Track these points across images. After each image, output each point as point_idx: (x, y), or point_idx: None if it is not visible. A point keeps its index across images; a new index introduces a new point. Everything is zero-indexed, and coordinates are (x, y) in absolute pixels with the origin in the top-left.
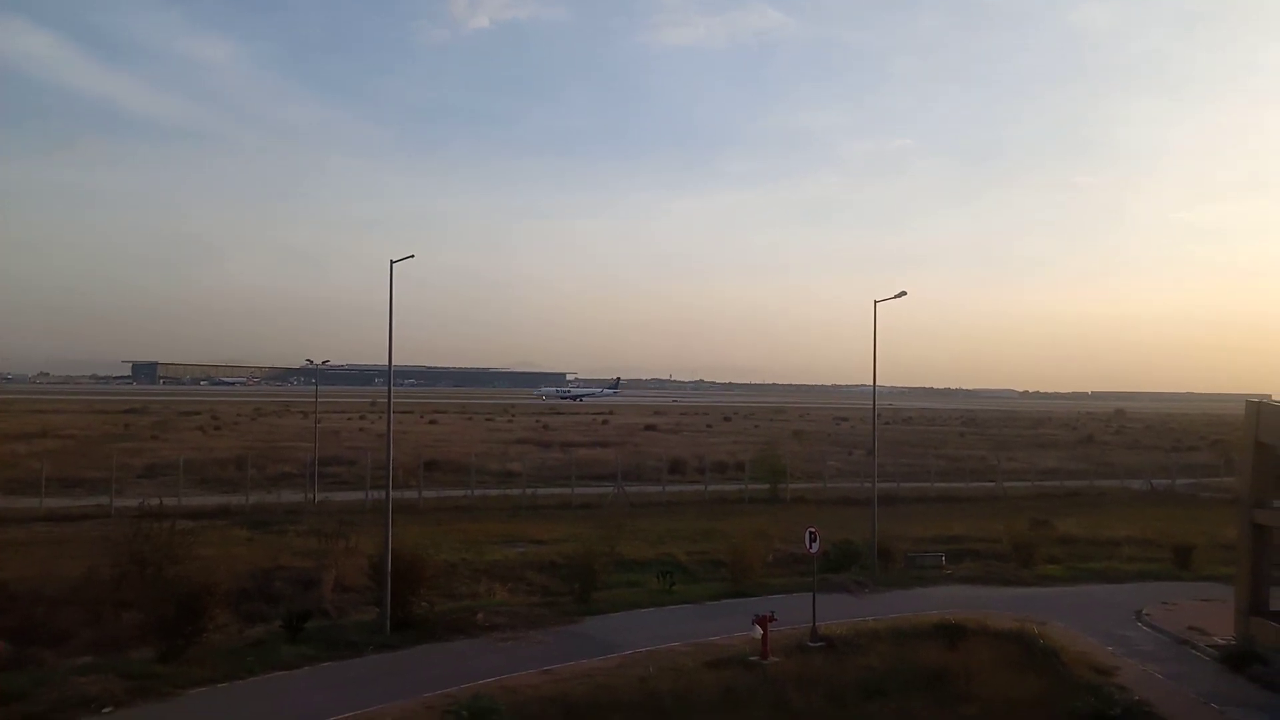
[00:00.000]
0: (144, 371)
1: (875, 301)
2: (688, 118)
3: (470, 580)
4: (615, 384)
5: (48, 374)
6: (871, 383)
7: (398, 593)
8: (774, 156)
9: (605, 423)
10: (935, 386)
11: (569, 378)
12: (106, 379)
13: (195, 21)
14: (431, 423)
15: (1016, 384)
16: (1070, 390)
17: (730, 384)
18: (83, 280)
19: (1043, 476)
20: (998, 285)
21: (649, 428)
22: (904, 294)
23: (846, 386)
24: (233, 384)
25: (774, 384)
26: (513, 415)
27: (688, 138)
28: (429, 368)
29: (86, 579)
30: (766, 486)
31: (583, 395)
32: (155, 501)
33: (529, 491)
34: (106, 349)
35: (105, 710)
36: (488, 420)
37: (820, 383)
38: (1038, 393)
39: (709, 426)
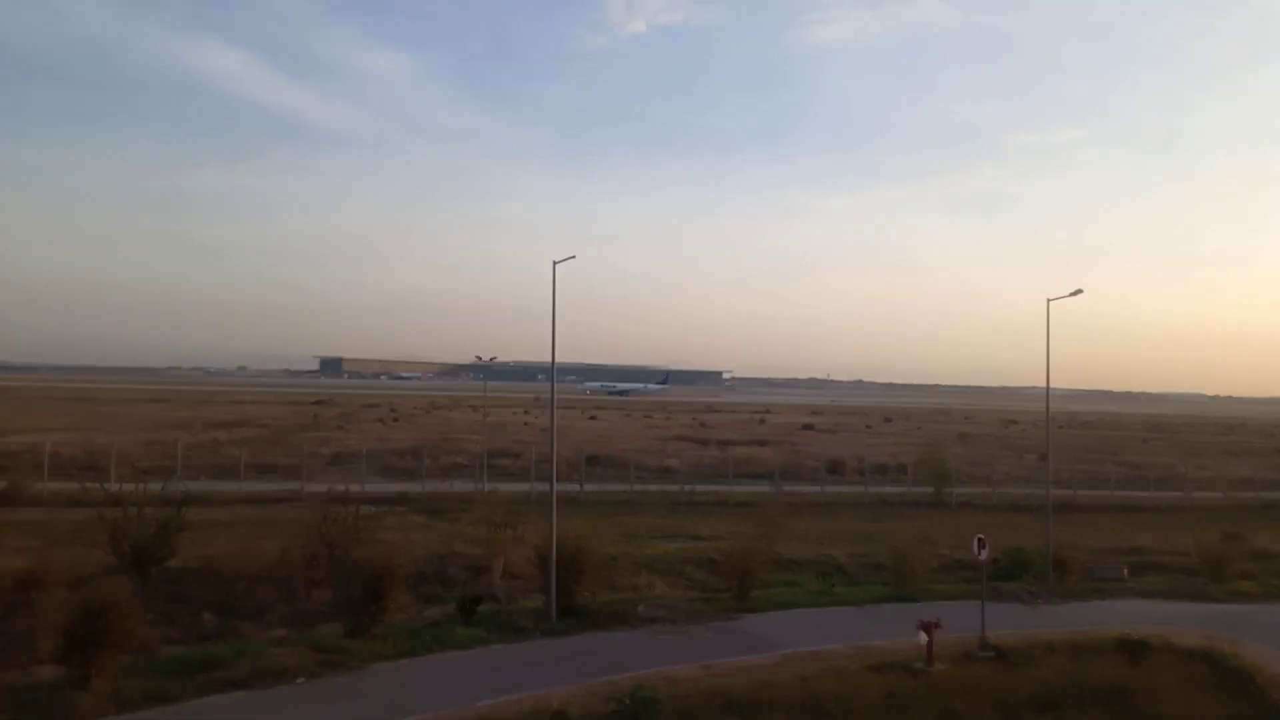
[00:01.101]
0: (330, 366)
1: (1048, 300)
2: (842, 114)
3: (630, 573)
4: (664, 379)
5: (245, 368)
6: (1045, 384)
7: (562, 582)
8: (932, 151)
9: (762, 422)
10: (1114, 389)
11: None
12: (297, 373)
13: (371, 36)
14: (592, 419)
15: (1206, 387)
16: (1267, 395)
17: (891, 384)
18: (274, 281)
19: (1236, 486)
20: (1182, 282)
21: (807, 427)
22: (1080, 292)
23: (1016, 389)
24: (409, 379)
25: (937, 385)
26: (670, 413)
27: (842, 134)
28: (588, 365)
29: (281, 558)
30: (930, 490)
31: (629, 390)
32: (341, 488)
33: (686, 488)
34: (297, 345)
35: (298, 680)
36: (645, 417)
37: (987, 384)
38: (1230, 397)
39: (868, 427)
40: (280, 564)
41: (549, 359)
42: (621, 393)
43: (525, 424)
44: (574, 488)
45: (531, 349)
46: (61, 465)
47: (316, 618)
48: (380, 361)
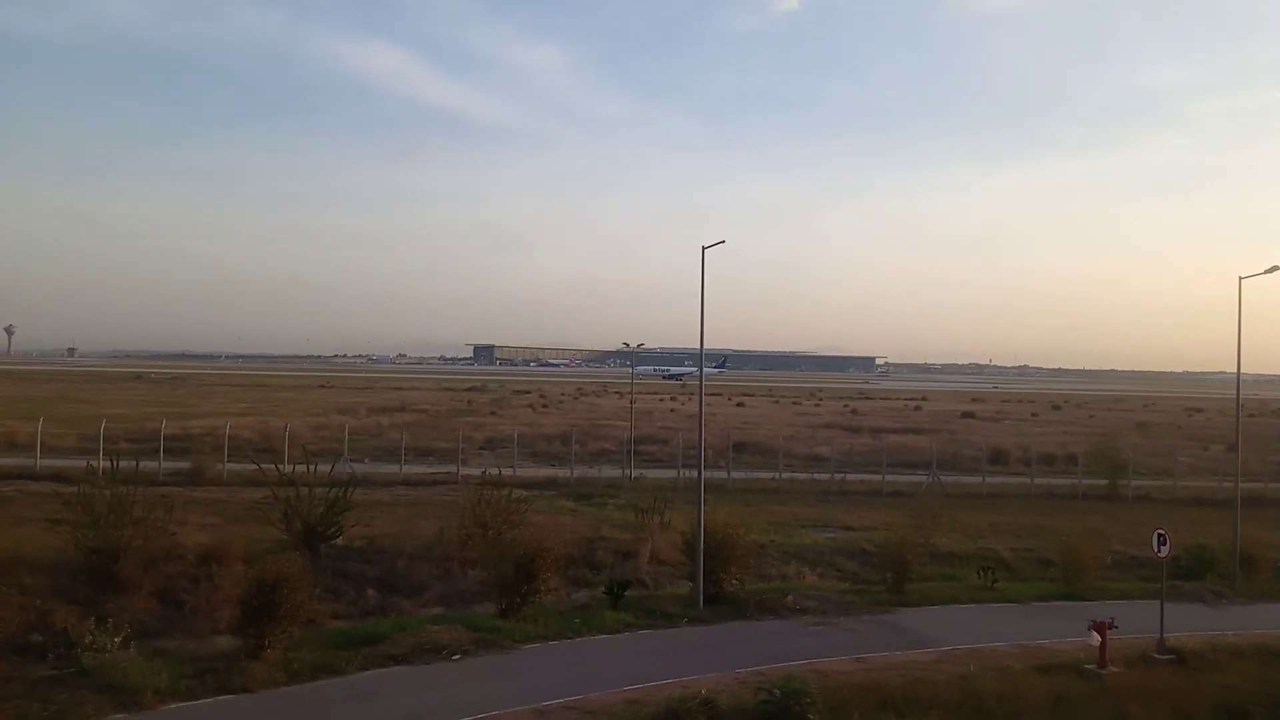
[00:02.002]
0: (483, 353)
1: (1240, 278)
2: (1009, 84)
3: (779, 562)
4: (722, 363)
5: (405, 355)
6: (1235, 369)
7: (710, 569)
8: (1109, 121)
9: (918, 409)
10: None
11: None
12: (453, 360)
13: (524, 29)
14: (739, 405)
15: None
16: None
17: (1059, 369)
18: (431, 272)
19: None
20: None
21: (966, 415)
22: (1277, 268)
23: (1201, 374)
24: (558, 365)
25: (1113, 370)
26: (820, 399)
27: (1008, 106)
28: (737, 351)
29: (438, 538)
30: (1103, 482)
31: (683, 375)
32: (494, 471)
33: (837, 477)
34: (452, 333)
35: (454, 657)
36: (794, 404)
37: (1169, 369)
38: None
39: (1035, 415)
40: (437, 544)
41: (696, 345)
42: (675, 377)
43: (671, 410)
44: (721, 475)
45: (679, 335)
46: (239, 447)
47: (471, 596)
48: (531, 349)
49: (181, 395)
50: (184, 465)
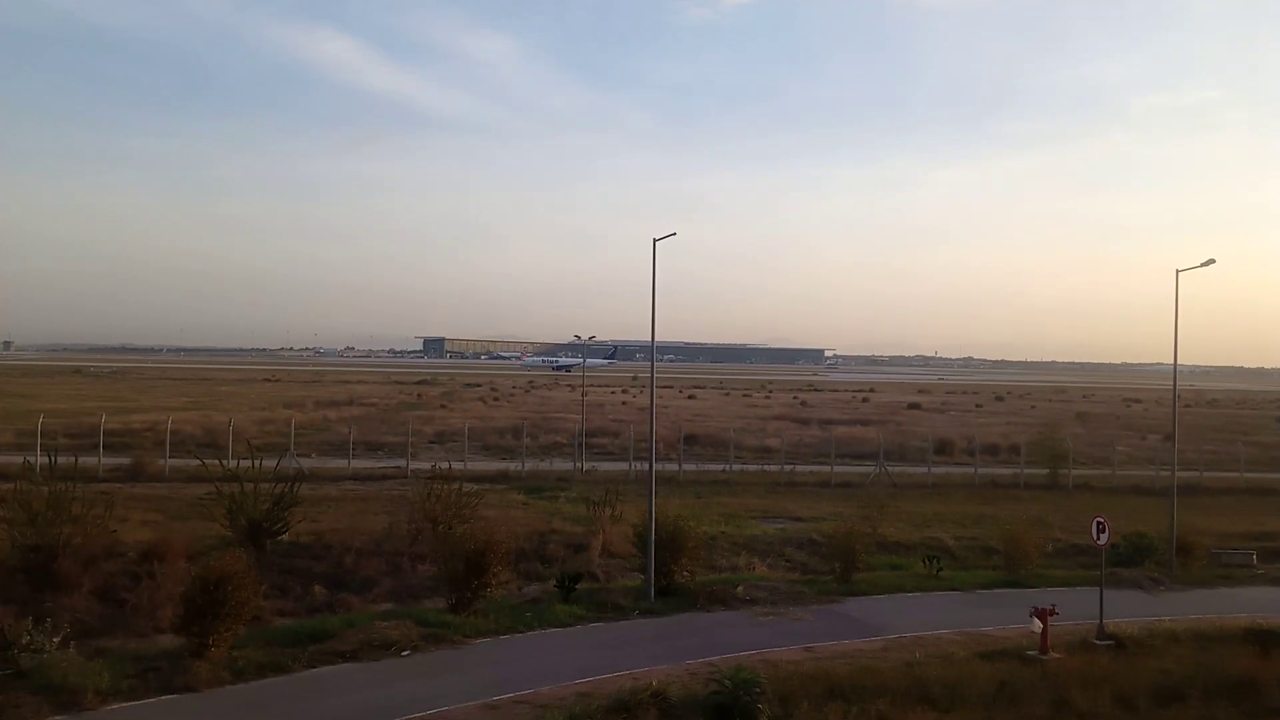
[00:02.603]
0: (433, 346)
1: (1177, 271)
2: (960, 79)
3: (730, 553)
4: (612, 354)
5: (353, 348)
6: (1171, 361)
7: (661, 561)
8: (1055, 116)
9: (866, 401)
10: (1247, 366)
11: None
12: (402, 353)
13: (476, 18)
14: (690, 398)
15: None
16: None
17: (1003, 361)
18: (381, 263)
19: None
20: None
21: (913, 406)
22: (1212, 262)
23: (1139, 366)
24: (509, 358)
25: (1054, 362)
26: (770, 391)
27: (960, 101)
28: (688, 344)
29: (387, 533)
30: (1045, 471)
31: (571, 365)
32: (445, 465)
33: (787, 468)
34: (402, 326)
35: (404, 653)
36: (745, 396)
37: (1109, 361)
38: None
39: (979, 406)
40: (386, 539)
41: (648, 338)
42: (564, 368)
43: (623, 403)
44: (672, 467)
45: (630, 328)
46: (182, 442)
47: (421, 592)
48: (482, 342)
49: (122, 389)
50: (124, 461)
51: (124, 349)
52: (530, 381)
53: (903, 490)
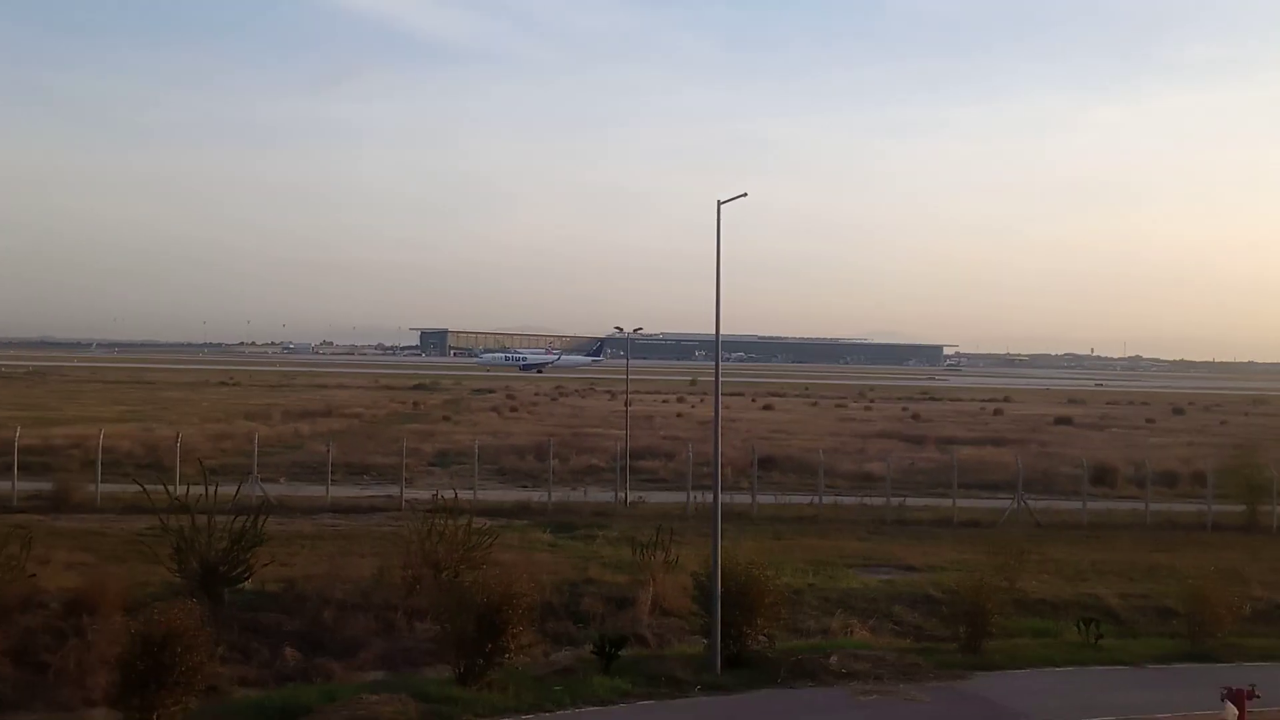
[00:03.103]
0: (433, 340)
1: None
2: None
3: (820, 612)
4: (598, 350)
5: (331, 343)
6: None
7: (729, 621)
8: (1250, 38)
9: (998, 413)
10: None
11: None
12: (394, 349)
13: None
14: (766, 408)
15: None
16: None
17: (1182, 362)
18: (364, 236)
19: None
20: None
21: (1061, 421)
22: None
23: None
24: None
25: (1250, 363)
26: (872, 400)
27: (1119, 20)
28: (763, 338)
29: (376, 581)
30: (1240, 508)
31: (543, 364)
32: (449, 494)
33: (895, 501)
34: (393, 315)
35: None
36: (838, 406)
37: None
38: None
39: (1150, 422)
40: (376, 588)
41: (710, 329)
42: (534, 367)
43: (679, 415)
44: (744, 499)
45: (685, 316)
46: (116, 463)
47: (420, 657)
48: (496, 335)
49: (40, 395)
50: (44, 486)
51: (42, 343)
52: (558, 387)
53: (1049, 532)
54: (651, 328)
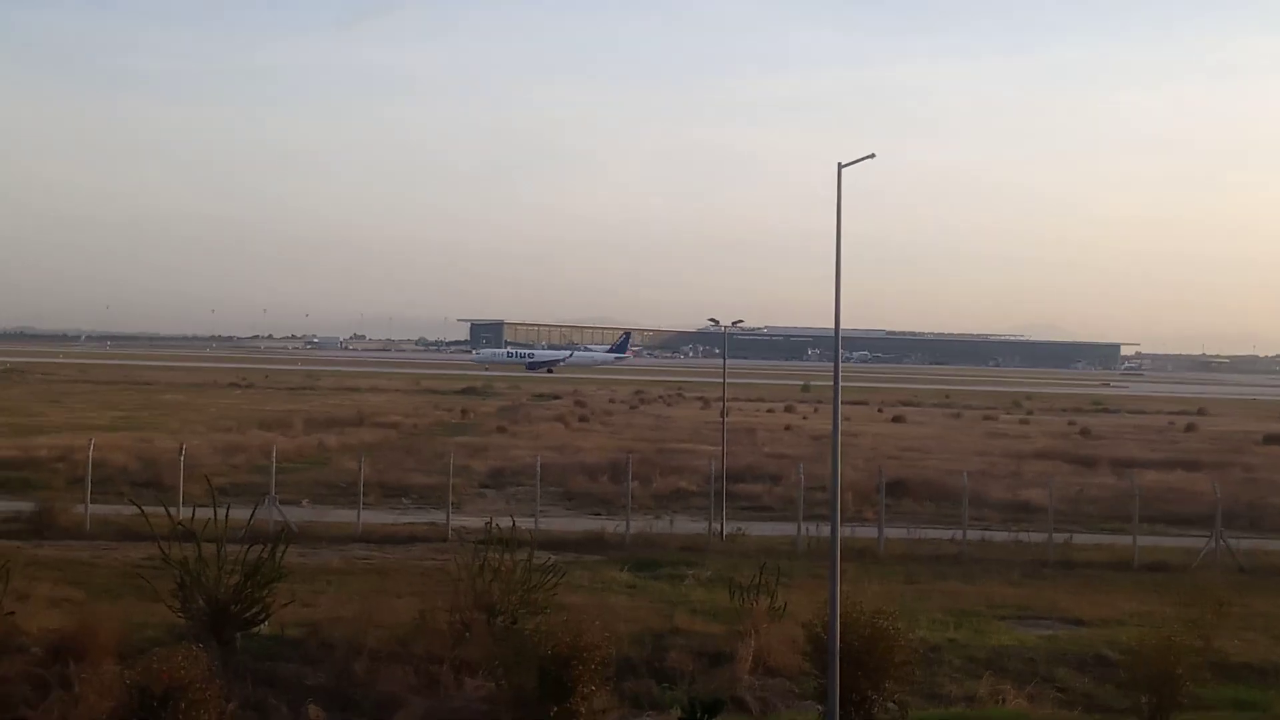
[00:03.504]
0: (486, 333)
1: None
2: None
3: (964, 674)
4: (622, 344)
5: (363, 337)
6: None
7: (850, 684)
8: None
9: (1190, 429)
10: None
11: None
12: (439, 344)
13: None
14: (896, 420)
15: None
16: None
17: None
18: (400, 208)
19: None
20: None
21: (1272, 440)
22: None
23: None
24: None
25: None
26: (1029, 412)
27: None
28: (892, 334)
29: (417, 627)
30: None
31: (554, 361)
32: (505, 522)
33: (1058, 538)
34: (438, 303)
35: None
36: (985, 419)
37: None
38: None
39: None
40: (417, 636)
41: (826, 324)
42: (543, 365)
43: (787, 428)
44: (869, 533)
45: (798, 309)
46: (108, 479)
47: (470, 718)
48: (561, 327)
49: (19, 397)
50: (24, 507)
51: (21, 335)
52: (638, 392)
53: (1256, 578)
54: (754, 320)
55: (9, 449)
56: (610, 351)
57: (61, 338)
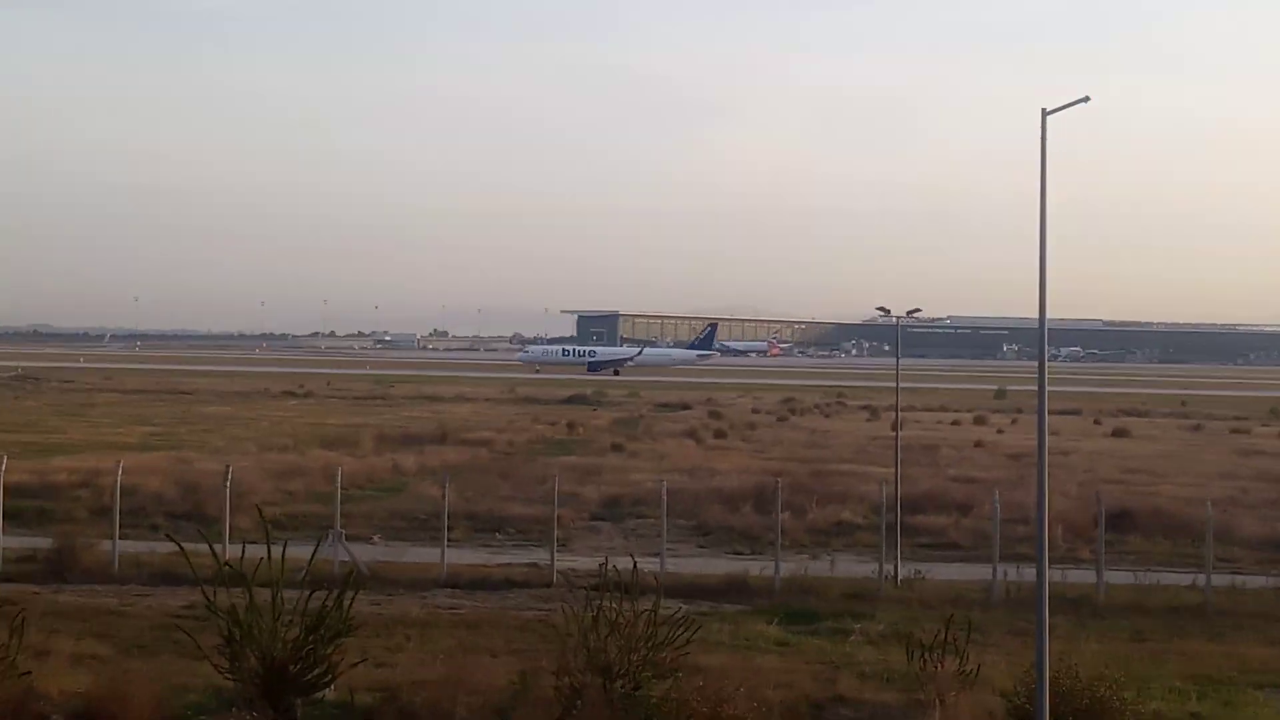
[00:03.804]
0: (597, 328)
1: None
2: None
3: None
4: (708, 338)
5: (445, 333)
6: None
7: None
8: None
9: None
10: None
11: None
12: (536, 341)
13: None
14: (1119, 434)
15: None
16: None
17: None
18: (488, 174)
19: None
20: None
21: None
22: None
23: None
24: (743, 351)
25: None
26: None
27: None
28: (1115, 325)
29: (517, 694)
30: None
31: (621, 361)
32: (627, 564)
33: None
34: (537, 291)
35: None
36: (1236, 432)
37: None
38: None
39: None
40: (517, 703)
41: (1027, 314)
42: (607, 366)
43: (977, 444)
44: (1084, 576)
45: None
46: (141, 509)
47: None
48: (689, 319)
49: (35, 409)
50: (42, 543)
51: (36, 334)
52: (787, 401)
53: None
54: (934, 309)
55: (22, 473)
56: (693, 348)
57: (83, 337)
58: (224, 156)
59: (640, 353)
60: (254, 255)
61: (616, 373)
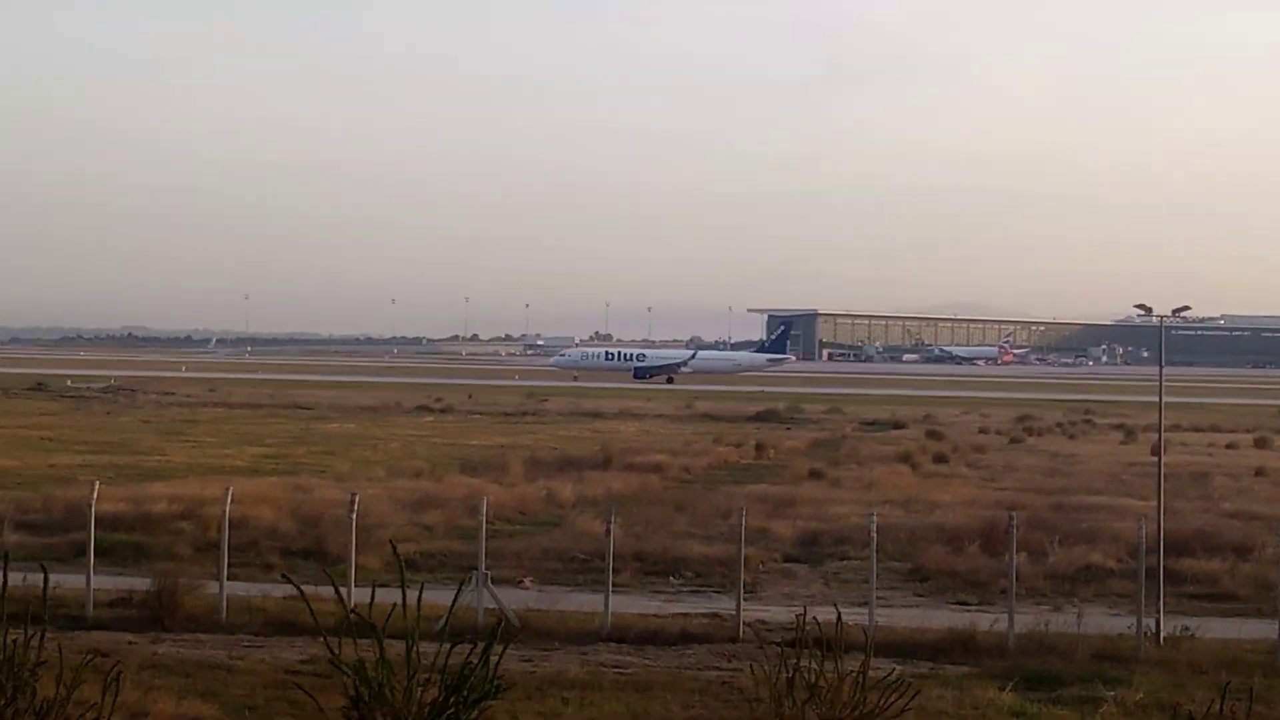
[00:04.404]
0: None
1: None
2: None
3: None
4: (780, 340)
5: (609, 336)
6: None
7: None
8: None
9: None
10: None
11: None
12: (722, 345)
13: None
14: None
15: None
16: None
17: None
18: (658, 150)
19: None
20: None
21: None
22: None
23: None
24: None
25: None
26: None
27: None
28: None
29: None
30: None
31: (674, 366)
32: (828, 614)
33: None
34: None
35: None
36: None
37: None
38: None
39: None
40: None
41: None
42: (657, 372)
43: (1258, 471)
44: None
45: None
46: (251, 545)
47: None
48: (904, 319)
49: (128, 426)
50: (138, 583)
51: (129, 339)
52: (1021, 418)
53: None
54: (1204, 307)
55: (116, 502)
56: (761, 351)
57: (185, 342)
58: (348, 126)
59: (694, 355)
60: (382, 244)
61: (670, 380)
